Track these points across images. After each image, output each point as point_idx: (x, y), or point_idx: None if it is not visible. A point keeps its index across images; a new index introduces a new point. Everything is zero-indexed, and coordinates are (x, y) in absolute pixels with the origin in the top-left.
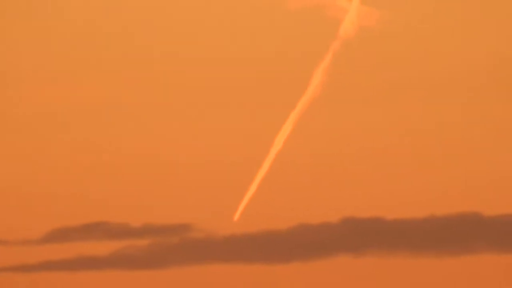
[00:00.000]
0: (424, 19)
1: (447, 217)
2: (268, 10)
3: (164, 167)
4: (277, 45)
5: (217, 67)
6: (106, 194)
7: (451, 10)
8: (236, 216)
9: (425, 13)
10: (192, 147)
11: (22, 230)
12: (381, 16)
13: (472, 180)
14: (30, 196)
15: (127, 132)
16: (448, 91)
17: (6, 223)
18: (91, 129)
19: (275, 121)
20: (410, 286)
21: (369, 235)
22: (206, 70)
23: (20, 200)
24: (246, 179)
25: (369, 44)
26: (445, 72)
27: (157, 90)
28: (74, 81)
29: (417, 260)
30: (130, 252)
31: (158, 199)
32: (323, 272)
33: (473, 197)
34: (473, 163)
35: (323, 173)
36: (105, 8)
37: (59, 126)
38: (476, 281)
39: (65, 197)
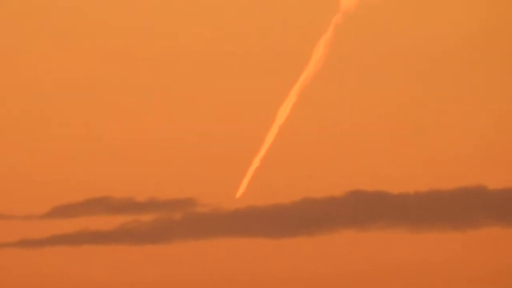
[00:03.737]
0: None
1: (451, 191)
2: None
3: (167, 141)
4: (279, 18)
5: (220, 41)
6: (110, 169)
7: None
8: (240, 191)
9: None
10: (195, 122)
11: (26, 205)
12: None
13: (476, 153)
14: (33, 171)
15: (132, 107)
16: (449, 64)
17: (10, 198)
18: (95, 104)
19: (278, 95)
20: (414, 260)
21: (373, 209)
22: (209, 44)
23: (24, 176)
24: (250, 153)
25: (370, 17)
26: (445, 46)
27: (160, 63)
28: (74, 52)
29: (421, 234)
30: (134, 227)
31: (162, 173)
32: (328, 246)
33: (477, 170)
34: (477, 136)
35: (326, 146)
36: None
37: (63, 101)
38: (480, 255)
39: (69, 172)
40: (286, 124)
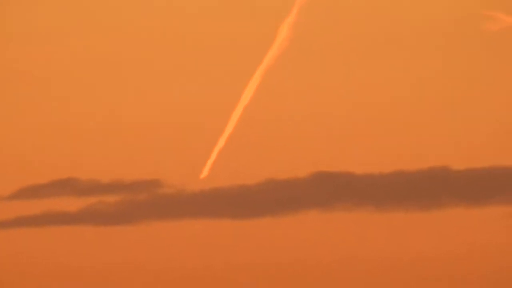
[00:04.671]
0: None
1: (416, 172)
2: None
3: (132, 123)
4: (243, 0)
5: (183, 23)
6: (75, 150)
7: None
8: (205, 172)
9: None
10: (160, 104)
11: None
12: None
13: (440, 134)
14: None
15: (97, 91)
16: (417, 44)
17: None
18: (61, 88)
19: (242, 77)
20: (379, 240)
21: (338, 190)
22: (172, 26)
23: None
24: (215, 134)
25: None
26: (412, 26)
27: (126, 48)
28: (44, 41)
29: (385, 214)
30: (99, 208)
31: (127, 154)
32: (292, 227)
33: (442, 151)
34: (441, 118)
35: (290, 128)
36: None
37: (28, 85)
38: (444, 235)
39: (34, 153)
40: (250, 106)
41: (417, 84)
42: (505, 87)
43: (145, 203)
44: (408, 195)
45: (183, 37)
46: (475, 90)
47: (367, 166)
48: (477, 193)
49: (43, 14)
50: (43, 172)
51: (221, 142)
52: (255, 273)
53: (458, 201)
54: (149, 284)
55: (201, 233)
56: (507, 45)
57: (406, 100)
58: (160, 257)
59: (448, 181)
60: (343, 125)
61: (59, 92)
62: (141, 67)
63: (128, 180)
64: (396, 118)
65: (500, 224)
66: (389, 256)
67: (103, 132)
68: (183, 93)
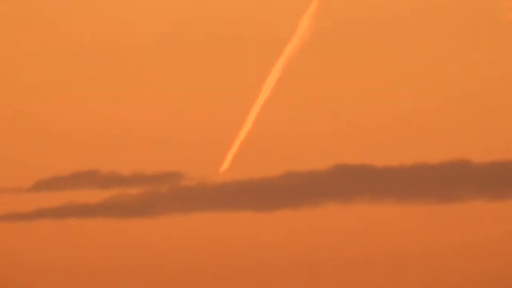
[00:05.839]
0: None
1: (436, 164)
2: None
3: (153, 115)
4: None
5: (203, 14)
6: (96, 142)
7: None
8: (226, 164)
9: None
10: (181, 95)
11: (12, 178)
12: None
13: (461, 127)
14: (19, 145)
15: (116, 82)
16: (441, 35)
17: None
18: (82, 80)
19: (263, 69)
20: (398, 234)
21: (358, 183)
22: (193, 18)
23: (10, 149)
24: (236, 127)
25: None
26: (438, 14)
27: (147, 38)
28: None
29: (405, 207)
30: (120, 200)
31: (148, 147)
32: (312, 220)
33: (462, 144)
34: (462, 110)
35: (311, 120)
36: None
37: (47, 74)
38: (464, 228)
39: (55, 145)
40: (271, 98)
41: (438, 76)
42: None
43: (166, 195)
44: (429, 188)
45: (203, 27)
46: (496, 82)
47: (387, 158)
48: (498, 187)
49: None
50: (64, 163)
51: (241, 134)
52: (275, 266)
53: (479, 194)
54: (170, 276)
55: (222, 226)
56: None
57: (427, 92)
58: (181, 249)
59: (469, 174)
60: (364, 117)
61: (80, 85)
62: (161, 59)
63: (149, 172)
64: (416, 110)
65: None
66: (410, 249)
67: (124, 124)
68: (204, 85)
